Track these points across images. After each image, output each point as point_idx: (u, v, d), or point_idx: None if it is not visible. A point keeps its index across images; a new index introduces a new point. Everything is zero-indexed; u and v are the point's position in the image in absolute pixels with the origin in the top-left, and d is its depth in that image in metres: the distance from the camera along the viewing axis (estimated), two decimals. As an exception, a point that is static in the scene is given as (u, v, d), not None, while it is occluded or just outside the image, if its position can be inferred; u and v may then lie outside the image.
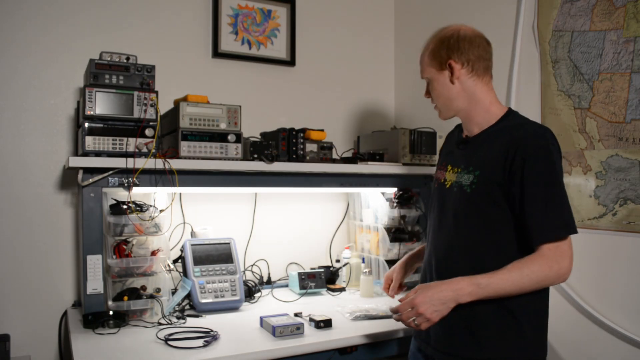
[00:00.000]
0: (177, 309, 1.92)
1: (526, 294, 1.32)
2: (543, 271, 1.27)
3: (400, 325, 1.75)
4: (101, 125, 1.71)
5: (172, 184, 1.79)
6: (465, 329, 1.36)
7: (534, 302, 1.36)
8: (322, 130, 2.15)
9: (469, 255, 1.38)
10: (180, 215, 2.23)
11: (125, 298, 1.75)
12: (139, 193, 1.91)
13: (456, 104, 1.48)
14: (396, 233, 2.28)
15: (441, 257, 1.45)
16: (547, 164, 1.30)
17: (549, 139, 1.34)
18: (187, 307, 1.97)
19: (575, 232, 1.29)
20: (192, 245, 2.03)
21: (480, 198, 1.36)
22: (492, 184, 1.35)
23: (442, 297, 1.29)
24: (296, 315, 1.84)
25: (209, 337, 1.59)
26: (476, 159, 1.41)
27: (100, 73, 1.73)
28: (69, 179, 2.05)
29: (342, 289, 2.28)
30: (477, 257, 1.37)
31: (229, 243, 2.10)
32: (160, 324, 1.75)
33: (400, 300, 1.37)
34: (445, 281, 1.32)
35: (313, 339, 1.60)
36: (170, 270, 1.97)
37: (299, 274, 2.24)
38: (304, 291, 2.20)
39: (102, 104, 1.71)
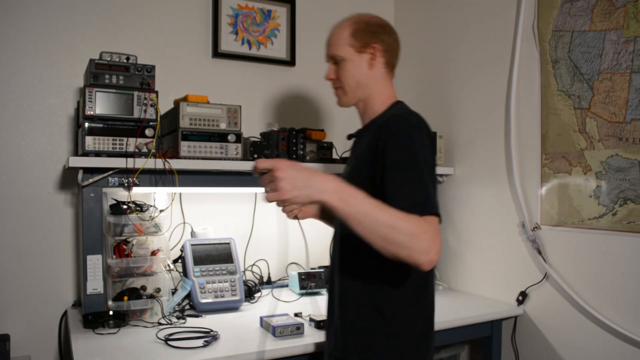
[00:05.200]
0: (177, 309, 1.92)
1: (399, 301, 1.28)
2: (407, 230, 1.06)
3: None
4: (101, 125, 1.70)
5: (172, 184, 1.79)
6: (340, 331, 1.35)
7: (407, 308, 1.30)
8: (322, 130, 2.15)
9: (342, 248, 1.37)
10: (180, 215, 2.23)
11: (125, 298, 1.75)
12: (139, 193, 1.91)
13: (363, 91, 1.42)
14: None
15: (335, 247, 1.42)
16: (406, 146, 1.20)
17: (410, 121, 1.25)
18: (187, 307, 1.97)
19: (433, 212, 1.12)
20: (192, 245, 2.03)
21: None
22: (361, 176, 1.29)
23: (305, 178, 1.09)
24: (296, 315, 1.84)
25: (209, 337, 1.59)
26: (355, 153, 1.44)
27: (100, 73, 1.73)
28: (69, 179, 2.05)
29: (342, 289, 2.28)
30: (346, 249, 1.35)
31: (229, 243, 2.10)
32: (160, 324, 1.75)
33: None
34: (321, 172, 1.14)
35: (313, 339, 1.60)
36: (170, 270, 1.97)
37: (299, 274, 2.24)
38: (304, 291, 2.20)
39: (102, 104, 1.71)
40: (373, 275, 1.30)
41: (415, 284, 1.30)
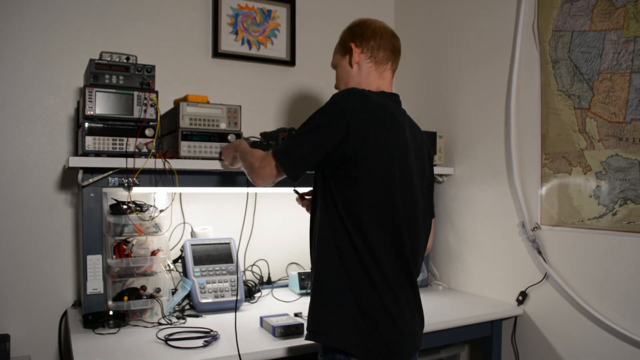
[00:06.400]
0: (177, 309, 1.92)
1: (330, 280, 1.35)
2: (256, 160, 1.44)
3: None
4: (101, 125, 1.70)
5: (172, 184, 1.79)
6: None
7: (337, 289, 1.34)
8: (322, 130, 2.14)
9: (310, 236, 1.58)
10: (180, 215, 2.23)
11: (125, 298, 1.75)
12: (139, 193, 1.91)
13: (350, 86, 1.52)
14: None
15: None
16: (320, 108, 1.35)
17: (339, 94, 1.36)
18: (187, 307, 1.97)
19: (278, 160, 1.35)
20: (192, 245, 2.03)
21: None
22: None
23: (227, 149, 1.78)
24: (296, 315, 1.84)
25: (209, 337, 1.59)
26: None
27: (100, 73, 1.73)
28: (69, 179, 2.05)
29: (342, 289, 2.28)
30: (311, 236, 1.55)
31: (229, 243, 2.10)
32: (160, 324, 1.75)
33: None
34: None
35: (313, 339, 1.60)
36: (170, 270, 1.97)
37: (299, 274, 2.24)
38: (304, 291, 2.20)
39: (102, 104, 1.71)
40: (316, 254, 1.41)
41: (344, 266, 1.33)
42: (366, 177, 1.32)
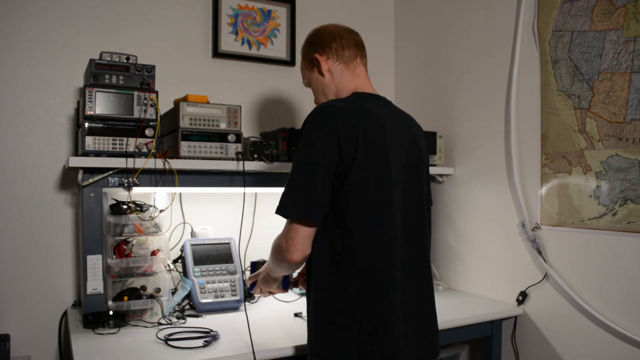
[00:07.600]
0: (177, 309, 1.92)
1: (321, 291, 1.33)
2: (275, 242, 1.37)
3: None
4: (101, 125, 1.71)
5: (172, 184, 1.80)
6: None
7: (330, 299, 1.33)
8: (322, 130, 2.14)
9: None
10: (180, 215, 2.23)
11: (125, 298, 1.75)
12: (139, 193, 1.91)
13: (331, 93, 1.51)
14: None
15: None
16: (298, 145, 1.31)
17: (308, 118, 1.31)
18: (187, 307, 1.97)
19: (288, 216, 1.29)
20: (192, 245, 2.03)
21: None
22: None
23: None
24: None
25: (209, 337, 1.59)
26: None
27: (100, 73, 1.73)
28: (69, 179, 2.05)
29: (342, 289, 2.28)
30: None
31: (229, 243, 2.10)
32: (160, 324, 1.75)
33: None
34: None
35: (313, 339, 1.60)
36: (170, 270, 1.97)
37: (299, 274, 2.24)
38: (303, 291, 2.20)
39: (102, 104, 1.71)
40: (311, 266, 1.37)
41: (339, 275, 1.31)
42: (361, 185, 1.28)
